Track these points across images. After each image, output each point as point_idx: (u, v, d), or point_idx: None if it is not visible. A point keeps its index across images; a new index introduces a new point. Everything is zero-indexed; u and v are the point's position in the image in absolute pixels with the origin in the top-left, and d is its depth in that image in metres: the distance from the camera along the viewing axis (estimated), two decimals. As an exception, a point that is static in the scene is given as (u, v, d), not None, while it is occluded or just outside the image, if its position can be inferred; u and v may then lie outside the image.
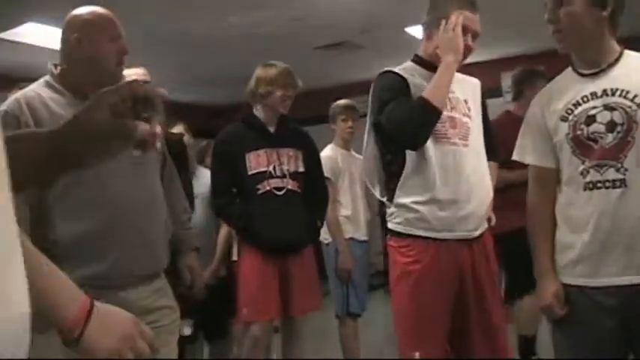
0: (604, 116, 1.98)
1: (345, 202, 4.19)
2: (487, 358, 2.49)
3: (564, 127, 2.04)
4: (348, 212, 4.18)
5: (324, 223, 3.77)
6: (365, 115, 2.74)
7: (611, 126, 1.97)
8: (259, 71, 3.47)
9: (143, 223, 2.14)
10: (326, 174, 3.81)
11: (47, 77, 2.19)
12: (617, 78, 2.01)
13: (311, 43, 6.90)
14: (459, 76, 2.59)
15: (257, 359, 3.40)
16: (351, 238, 4.17)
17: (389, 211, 2.58)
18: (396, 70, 2.55)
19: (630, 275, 1.94)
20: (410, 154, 2.47)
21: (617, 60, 2.04)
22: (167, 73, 7.45)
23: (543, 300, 2.09)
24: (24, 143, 0.96)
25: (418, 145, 2.43)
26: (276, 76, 3.41)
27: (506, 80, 5.93)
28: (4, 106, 2.08)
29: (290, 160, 3.42)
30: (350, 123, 4.29)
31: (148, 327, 1.07)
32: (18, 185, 0.75)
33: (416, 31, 6.05)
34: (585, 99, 2.02)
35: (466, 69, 2.66)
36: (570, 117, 2.04)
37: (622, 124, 1.95)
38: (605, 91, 2.00)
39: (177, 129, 4.07)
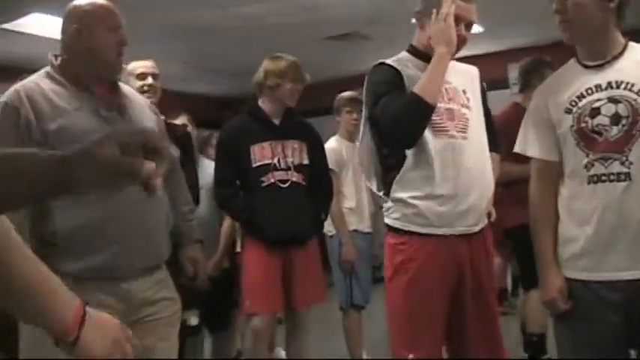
0: (608, 109, 1.96)
1: (349, 194, 4.17)
2: (483, 353, 2.46)
3: (568, 120, 2.02)
4: (352, 204, 4.17)
5: (329, 215, 3.76)
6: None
7: (615, 119, 1.95)
8: (267, 63, 3.44)
9: (144, 215, 2.13)
10: (330, 166, 3.79)
11: (47, 68, 2.17)
12: (622, 70, 1.99)
13: (319, 34, 6.87)
14: (456, 65, 2.54)
15: (259, 351, 3.39)
16: (355, 230, 4.16)
17: (386, 205, 2.53)
18: (390, 61, 2.50)
19: (635, 270, 1.92)
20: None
21: (621, 52, 2.02)
22: (175, 64, 7.47)
23: (547, 294, 2.08)
24: (26, 163, 0.97)
25: (412, 142, 2.38)
26: (285, 68, 3.39)
27: (513, 72, 5.87)
28: (3, 98, 2.07)
29: (294, 153, 3.40)
30: (355, 115, 4.27)
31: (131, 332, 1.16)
32: (17, 204, 0.77)
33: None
34: (590, 91, 2.00)
35: (472, 60, 2.61)
36: (574, 109, 2.02)
37: (627, 117, 1.94)
38: (609, 84, 1.98)
39: (181, 120, 4.06)
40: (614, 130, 1.95)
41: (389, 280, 2.49)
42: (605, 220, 1.95)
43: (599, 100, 1.98)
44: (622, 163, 1.93)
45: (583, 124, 1.99)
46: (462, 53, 2.50)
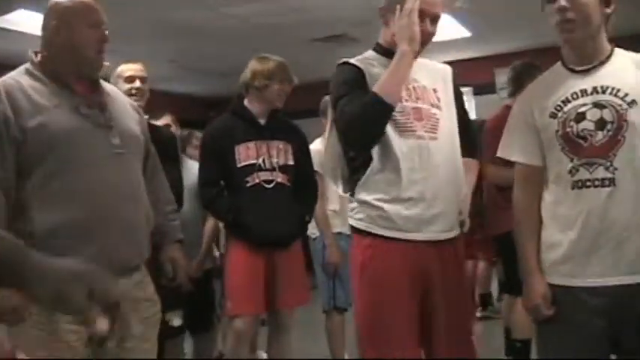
0: (594, 114, 1.95)
1: (333, 196, 4.15)
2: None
3: (553, 124, 2.01)
4: (337, 206, 4.14)
5: (313, 217, 3.74)
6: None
7: (600, 124, 1.94)
8: (255, 64, 3.42)
9: (123, 214, 2.10)
10: (315, 168, 3.77)
11: (27, 65, 2.14)
12: (608, 75, 1.98)
13: (306, 36, 6.85)
14: (427, 63, 2.46)
15: (240, 353, 3.37)
16: (339, 233, 4.12)
17: (351, 206, 2.42)
18: (353, 60, 2.41)
19: (619, 275, 1.92)
20: (373, 149, 2.31)
21: (607, 58, 2.02)
22: (162, 63, 7.43)
23: (530, 300, 2.07)
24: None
25: (371, 143, 2.28)
26: (273, 69, 3.37)
27: (500, 76, 5.89)
28: None
29: (280, 153, 3.38)
30: (341, 117, 4.24)
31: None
32: None
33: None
34: (575, 96, 2.00)
35: (459, 65, 2.59)
36: (560, 114, 2.01)
37: (612, 122, 1.93)
38: (595, 89, 1.98)
39: (165, 120, 4.03)
40: (599, 135, 1.94)
41: (354, 282, 2.42)
42: (589, 226, 1.94)
43: (584, 104, 1.98)
44: (606, 169, 1.92)
45: (568, 129, 1.98)
46: (449, 57, 2.48)
